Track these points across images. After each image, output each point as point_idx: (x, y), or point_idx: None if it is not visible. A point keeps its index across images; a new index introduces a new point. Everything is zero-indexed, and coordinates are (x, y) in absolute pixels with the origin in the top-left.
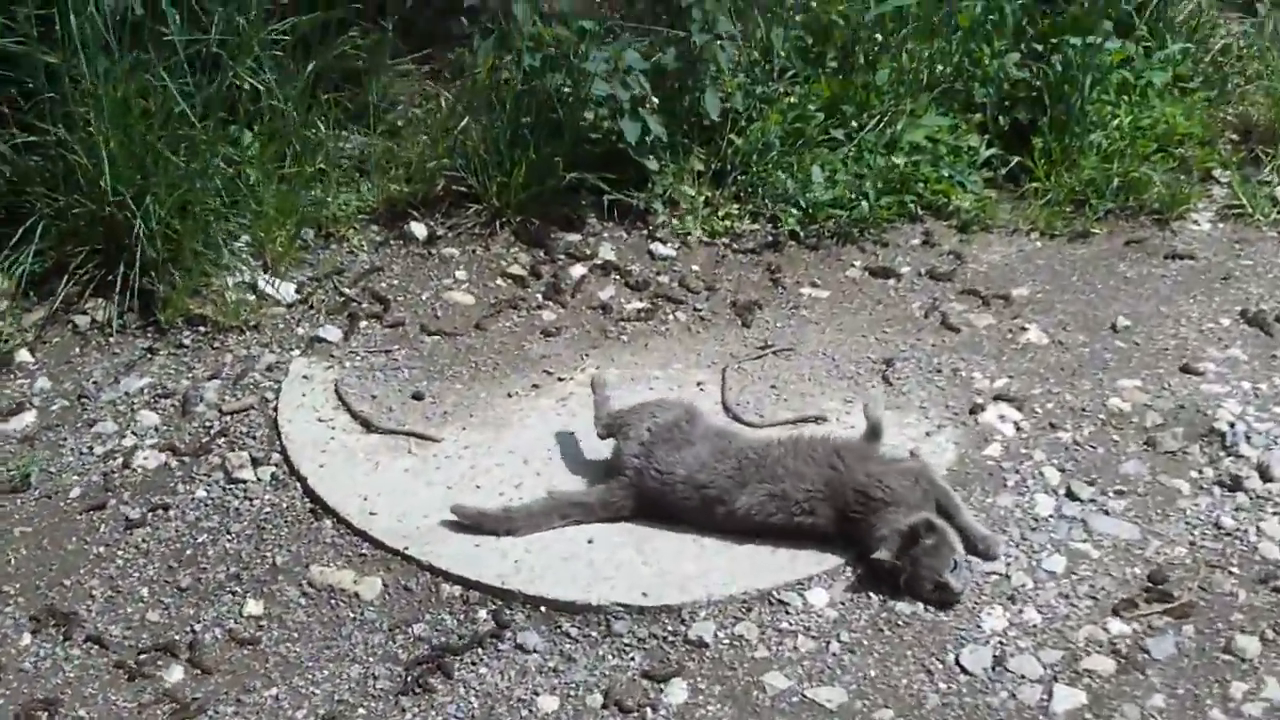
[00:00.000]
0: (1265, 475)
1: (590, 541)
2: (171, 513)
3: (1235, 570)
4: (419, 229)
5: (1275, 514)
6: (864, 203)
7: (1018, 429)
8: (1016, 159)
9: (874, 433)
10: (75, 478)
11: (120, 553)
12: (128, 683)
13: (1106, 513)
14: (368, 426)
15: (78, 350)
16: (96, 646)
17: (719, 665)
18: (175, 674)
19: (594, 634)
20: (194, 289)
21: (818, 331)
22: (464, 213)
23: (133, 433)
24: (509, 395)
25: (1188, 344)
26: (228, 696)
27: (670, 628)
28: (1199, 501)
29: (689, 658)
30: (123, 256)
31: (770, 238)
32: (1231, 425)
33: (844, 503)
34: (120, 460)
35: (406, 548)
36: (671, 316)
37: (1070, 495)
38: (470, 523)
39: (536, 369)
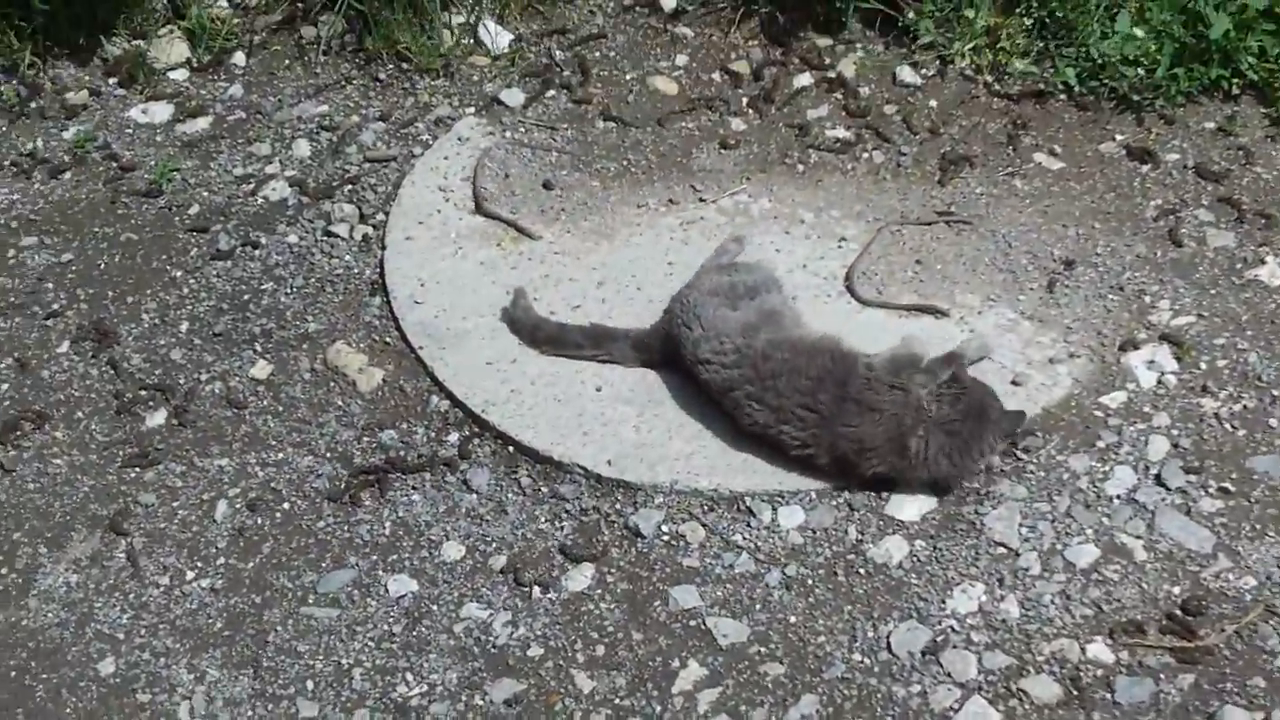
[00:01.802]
0: None
1: (599, 389)
2: (258, 252)
3: None
4: (669, 0)
5: None
6: (1158, 68)
7: (1159, 381)
8: None
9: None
10: (204, 194)
11: (191, 282)
12: (113, 415)
13: (1188, 511)
14: (477, 205)
15: (286, 63)
16: (112, 371)
17: (641, 562)
18: (157, 419)
19: (543, 490)
20: (412, 22)
21: (1016, 208)
22: None
23: (280, 160)
24: (639, 206)
25: None
26: (184, 456)
27: (618, 505)
28: None
29: (617, 544)
30: None
31: (1040, 86)
32: None
33: (849, 455)
34: (251, 186)
35: (421, 347)
36: (867, 155)
37: (1159, 479)
38: (513, 313)
39: (686, 182)
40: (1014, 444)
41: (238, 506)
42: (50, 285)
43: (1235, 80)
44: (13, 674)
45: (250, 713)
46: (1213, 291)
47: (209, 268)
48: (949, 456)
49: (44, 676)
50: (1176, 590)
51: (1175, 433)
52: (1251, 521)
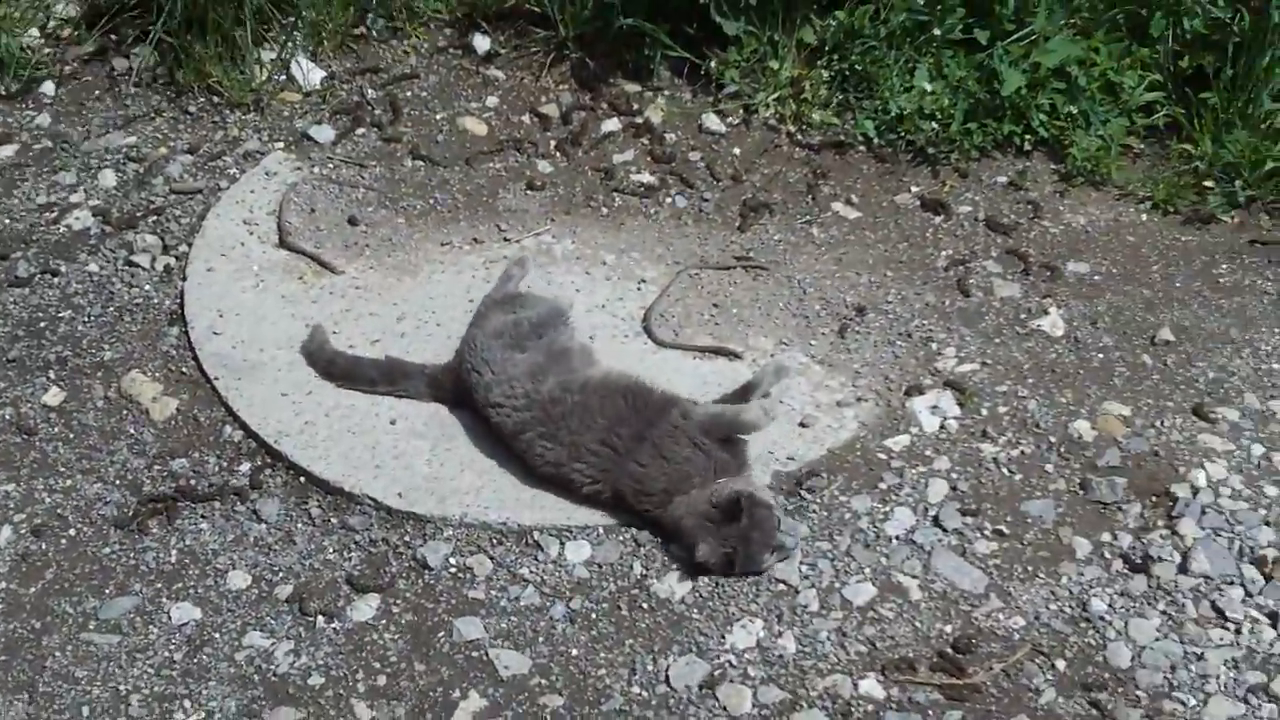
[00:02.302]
0: (1184, 565)
1: (393, 423)
2: (57, 280)
3: (1061, 665)
4: (481, 43)
5: (1161, 614)
6: (953, 122)
7: (942, 426)
8: (1183, 111)
9: (743, 393)
10: (5, 221)
11: None
12: None
13: (964, 553)
14: (281, 239)
15: (96, 94)
16: None
17: (427, 593)
18: None
19: (333, 521)
20: (224, 56)
21: (813, 256)
22: (533, 37)
23: (85, 190)
24: (443, 244)
25: (1225, 384)
26: None
27: (407, 538)
28: (1085, 572)
29: (404, 576)
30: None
31: (840, 137)
32: (1195, 494)
33: (626, 492)
34: (54, 215)
35: (217, 377)
36: (670, 199)
37: (936, 521)
38: (310, 346)
39: (492, 221)
40: (799, 484)
41: (22, 532)
42: None
43: (1027, 136)
44: None
45: None
46: (997, 340)
47: (6, 294)
48: (690, 533)
49: None
50: (948, 629)
51: (954, 476)
52: (1023, 563)
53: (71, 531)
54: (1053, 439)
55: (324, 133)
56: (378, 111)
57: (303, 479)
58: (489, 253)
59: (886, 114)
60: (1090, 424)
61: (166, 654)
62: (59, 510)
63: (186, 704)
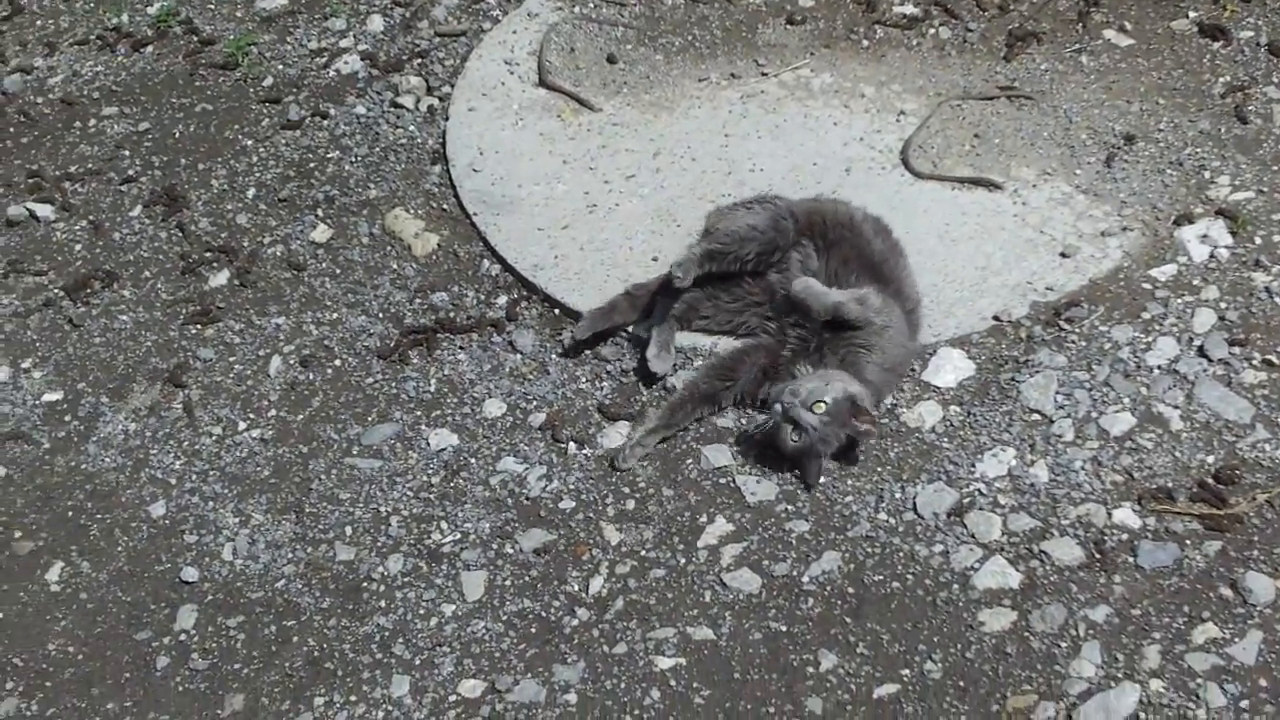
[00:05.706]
0: None
1: (654, 259)
2: (326, 122)
3: None
4: None
5: None
6: None
7: (1211, 256)
8: None
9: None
10: (279, 67)
11: (261, 150)
12: (179, 275)
13: (1229, 383)
14: (541, 78)
15: None
16: (180, 234)
17: None
18: (219, 279)
19: (586, 352)
20: None
21: (1080, 84)
22: None
23: (354, 35)
24: (700, 79)
25: None
26: (242, 315)
27: None
28: None
29: (655, 404)
30: None
31: None
32: None
33: None
34: (325, 60)
35: (476, 213)
36: (933, 31)
37: (1202, 351)
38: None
39: (750, 57)
40: (1057, 314)
41: (291, 362)
42: (127, 153)
43: None
44: (70, 514)
45: (290, 555)
46: (1275, 168)
47: (279, 137)
48: None
49: (99, 516)
50: (1210, 459)
51: (1223, 306)
52: None
53: (337, 362)
54: None
55: None
56: None
57: (557, 311)
58: (745, 88)
59: None
60: None
61: (425, 478)
62: (325, 342)
63: (443, 525)
